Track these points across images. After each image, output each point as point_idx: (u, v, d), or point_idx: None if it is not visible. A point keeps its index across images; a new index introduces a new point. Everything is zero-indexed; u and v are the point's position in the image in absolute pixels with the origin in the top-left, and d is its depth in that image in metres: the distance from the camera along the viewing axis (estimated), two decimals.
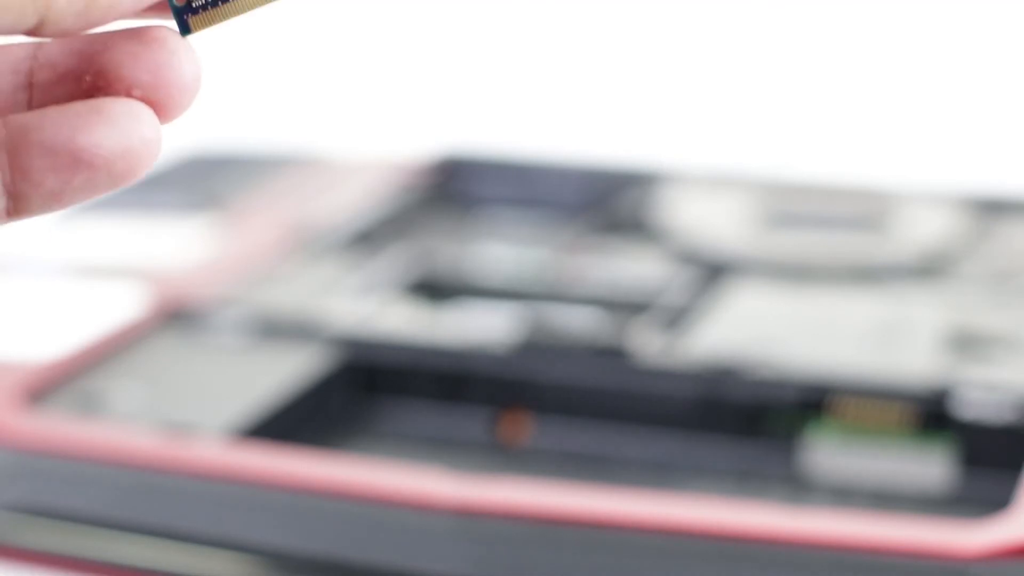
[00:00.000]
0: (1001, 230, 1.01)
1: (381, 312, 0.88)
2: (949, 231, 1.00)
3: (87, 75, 0.33)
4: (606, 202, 1.10)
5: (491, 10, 1.54)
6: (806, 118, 1.39)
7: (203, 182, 1.12)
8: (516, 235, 1.05)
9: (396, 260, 0.96)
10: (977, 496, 0.76)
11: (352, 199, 1.09)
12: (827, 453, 0.78)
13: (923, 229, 1.00)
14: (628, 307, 0.89)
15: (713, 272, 0.95)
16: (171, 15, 0.34)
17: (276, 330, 0.86)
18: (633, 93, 1.47)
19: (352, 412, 0.85)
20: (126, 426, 0.75)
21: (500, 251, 1.01)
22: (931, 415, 0.77)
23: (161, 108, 0.33)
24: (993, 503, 0.71)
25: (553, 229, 1.07)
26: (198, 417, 0.76)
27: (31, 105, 0.33)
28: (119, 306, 0.88)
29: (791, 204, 1.04)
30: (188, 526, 0.69)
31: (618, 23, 1.53)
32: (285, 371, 0.82)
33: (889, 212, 1.02)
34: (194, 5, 0.34)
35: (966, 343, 0.82)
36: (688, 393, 0.81)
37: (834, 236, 0.99)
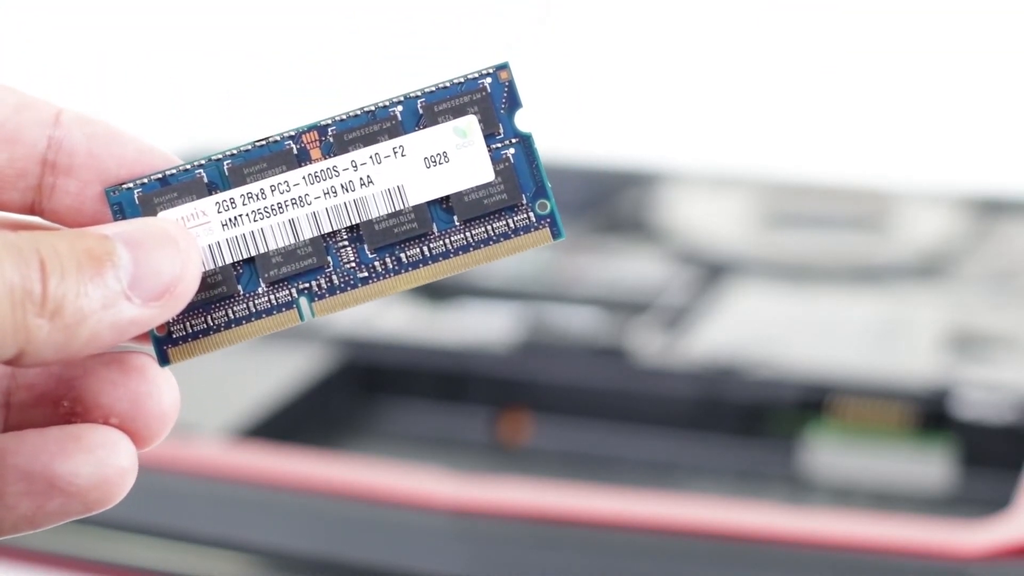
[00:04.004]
0: (1001, 230, 1.01)
1: (381, 312, 0.88)
2: (949, 231, 1.00)
3: (65, 400, 0.32)
4: (606, 202, 1.10)
5: (490, 8, 1.54)
6: (806, 118, 1.39)
7: None
8: None
9: None
10: (977, 496, 0.76)
11: None
12: (827, 453, 0.78)
13: (923, 229, 1.00)
14: (628, 307, 0.89)
15: (713, 272, 0.95)
16: (148, 340, 0.33)
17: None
18: (633, 93, 1.47)
19: (352, 412, 0.85)
20: None
21: None
22: (931, 415, 0.77)
23: (138, 437, 0.32)
24: (993, 503, 0.71)
25: None
26: (198, 417, 0.76)
27: (7, 425, 0.33)
28: None
29: (791, 204, 1.04)
30: (188, 526, 0.69)
31: (618, 22, 1.53)
32: (285, 371, 0.82)
33: (889, 212, 1.02)
34: (174, 336, 0.33)
35: (966, 343, 0.82)
36: (688, 393, 0.80)
37: (834, 236, 0.99)
